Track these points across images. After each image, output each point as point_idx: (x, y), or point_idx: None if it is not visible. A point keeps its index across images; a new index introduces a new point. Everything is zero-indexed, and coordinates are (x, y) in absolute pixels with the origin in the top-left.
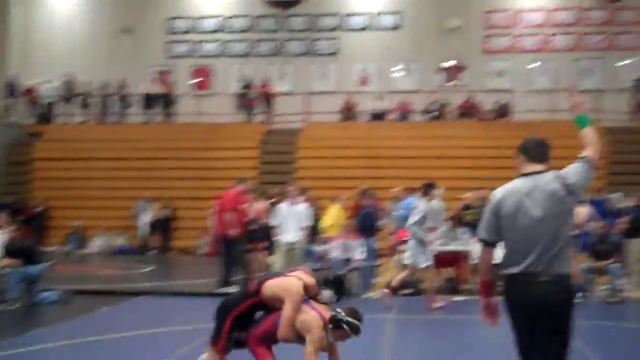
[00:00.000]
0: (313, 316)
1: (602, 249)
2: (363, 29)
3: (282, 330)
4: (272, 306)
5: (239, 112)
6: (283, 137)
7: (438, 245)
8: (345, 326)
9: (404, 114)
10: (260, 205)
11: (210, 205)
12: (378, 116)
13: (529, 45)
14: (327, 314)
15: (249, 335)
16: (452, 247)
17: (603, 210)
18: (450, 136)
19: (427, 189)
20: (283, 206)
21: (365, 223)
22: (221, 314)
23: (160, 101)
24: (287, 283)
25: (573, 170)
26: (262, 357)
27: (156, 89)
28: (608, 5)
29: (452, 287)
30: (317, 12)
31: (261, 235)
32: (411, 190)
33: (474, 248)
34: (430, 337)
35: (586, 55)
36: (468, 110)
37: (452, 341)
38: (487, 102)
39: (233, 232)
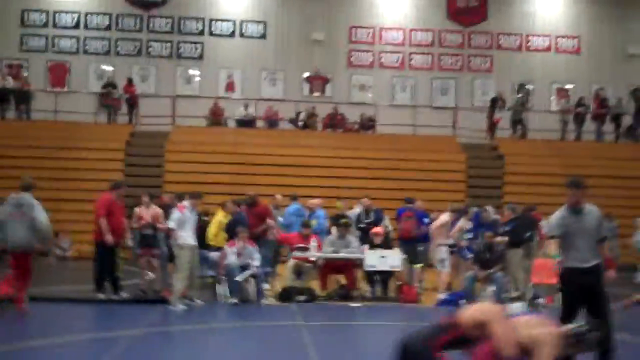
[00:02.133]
0: (546, 331)
1: (487, 258)
2: (229, 35)
3: (508, 349)
4: (469, 338)
5: (100, 112)
6: (149, 140)
7: (328, 252)
8: (586, 340)
9: (271, 122)
10: (153, 211)
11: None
12: (245, 123)
13: (390, 62)
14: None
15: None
16: (342, 254)
17: (478, 222)
18: (316, 146)
19: None
20: (185, 211)
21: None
22: (422, 351)
23: (14, 97)
24: (484, 307)
25: None
26: None
27: (9, 83)
28: (463, 30)
29: (344, 294)
30: (181, 15)
31: (154, 241)
32: (292, 198)
33: (363, 255)
34: (348, 342)
35: (442, 75)
36: (334, 122)
37: (370, 345)
38: (352, 115)
39: (107, 238)
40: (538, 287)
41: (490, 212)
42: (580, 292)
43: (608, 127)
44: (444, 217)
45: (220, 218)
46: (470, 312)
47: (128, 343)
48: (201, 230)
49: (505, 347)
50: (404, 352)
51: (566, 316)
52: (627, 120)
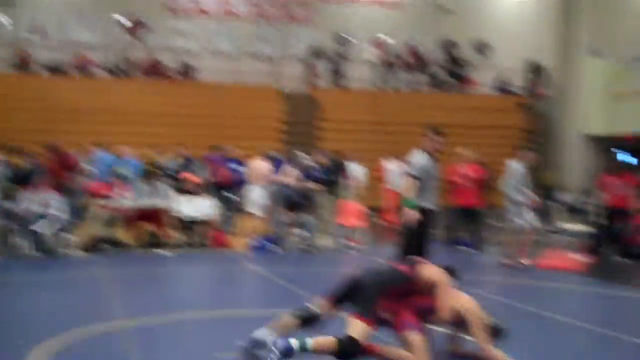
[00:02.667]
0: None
1: (299, 202)
2: None
3: (445, 313)
4: (419, 290)
5: None
6: None
7: (138, 200)
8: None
9: (84, 68)
10: None
11: None
12: (56, 69)
13: (211, 8)
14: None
15: (401, 310)
16: (152, 202)
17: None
18: (133, 93)
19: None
20: None
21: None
22: (373, 291)
23: None
24: (438, 271)
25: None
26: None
27: None
28: None
29: (154, 242)
30: None
31: None
32: (103, 146)
33: (174, 203)
34: (157, 290)
35: (265, 23)
36: (152, 69)
37: (179, 291)
38: (172, 62)
39: None
40: (344, 229)
41: (304, 158)
42: (428, 232)
43: (421, 78)
44: (262, 163)
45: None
46: (426, 270)
47: None
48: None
49: (442, 310)
50: (353, 285)
51: (408, 253)
52: (438, 71)
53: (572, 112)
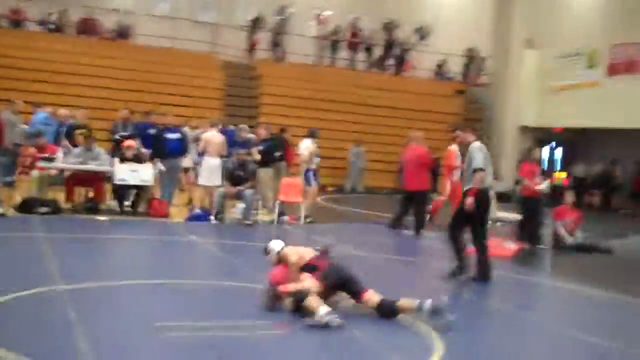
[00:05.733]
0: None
1: (239, 175)
2: None
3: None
4: None
5: None
6: None
7: (75, 163)
8: None
9: (16, 21)
10: None
11: None
12: None
13: None
14: None
15: None
16: (89, 166)
17: (233, 140)
18: (68, 51)
19: None
20: None
21: None
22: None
23: None
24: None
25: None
26: None
27: None
28: None
29: (91, 207)
30: None
31: None
32: (37, 105)
33: (114, 168)
34: (91, 254)
35: None
36: (88, 27)
37: (111, 257)
38: (108, 21)
39: None
40: (284, 205)
41: (245, 131)
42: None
43: (360, 55)
44: (217, 135)
45: None
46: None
47: None
48: None
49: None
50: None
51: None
52: (377, 51)
53: (508, 102)
